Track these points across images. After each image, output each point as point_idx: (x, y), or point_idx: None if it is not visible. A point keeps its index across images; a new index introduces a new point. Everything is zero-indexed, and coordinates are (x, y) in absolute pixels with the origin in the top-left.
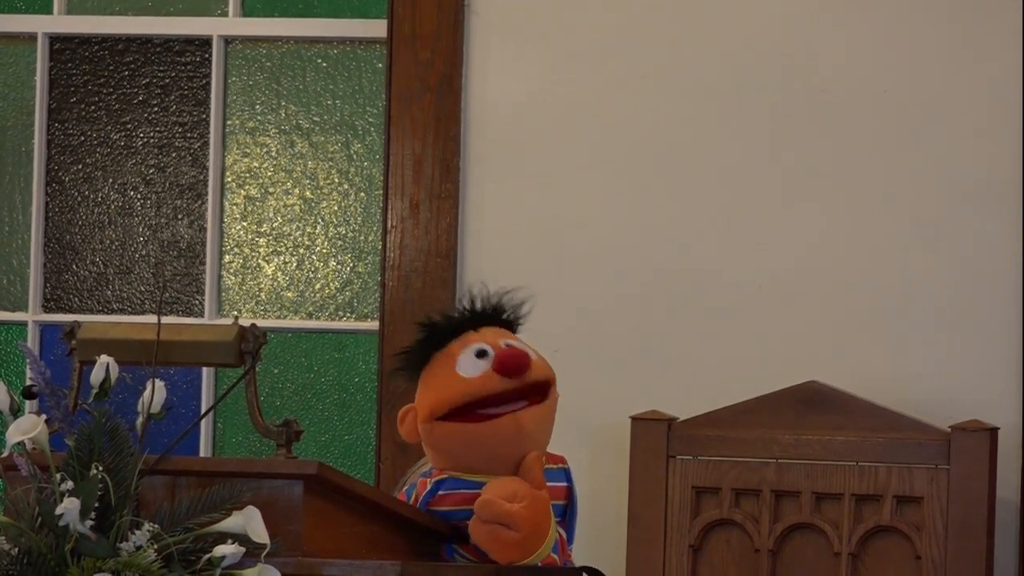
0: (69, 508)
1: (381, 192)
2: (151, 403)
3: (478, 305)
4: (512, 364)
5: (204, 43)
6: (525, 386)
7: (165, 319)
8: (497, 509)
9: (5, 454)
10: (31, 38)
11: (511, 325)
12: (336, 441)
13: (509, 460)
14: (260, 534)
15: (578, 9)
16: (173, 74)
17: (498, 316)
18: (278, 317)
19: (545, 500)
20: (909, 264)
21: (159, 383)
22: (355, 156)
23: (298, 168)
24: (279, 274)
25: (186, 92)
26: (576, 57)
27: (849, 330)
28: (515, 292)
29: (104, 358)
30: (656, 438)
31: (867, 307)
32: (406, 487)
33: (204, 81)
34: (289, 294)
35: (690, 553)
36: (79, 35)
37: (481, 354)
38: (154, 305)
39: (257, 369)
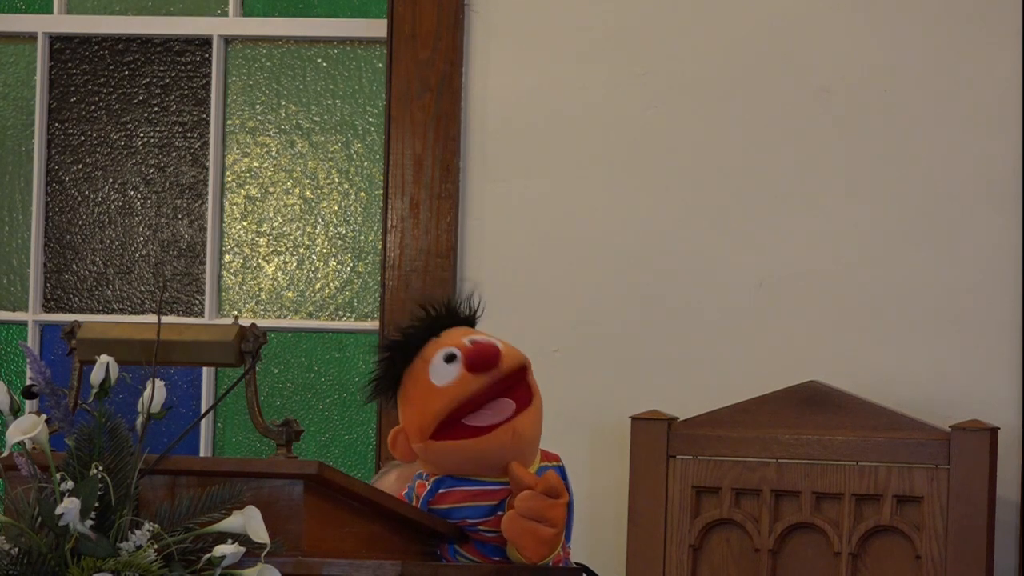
0: (69, 508)
1: (381, 192)
2: (151, 403)
3: (431, 311)
4: (482, 359)
5: (204, 43)
6: (501, 377)
7: (165, 319)
8: (540, 504)
9: (5, 454)
10: (31, 38)
11: (470, 321)
12: (336, 441)
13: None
14: (260, 534)
15: (578, 8)
16: (173, 74)
17: (454, 315)
18: (278, 317)
19: (567, 497)
20: (909, 264)
21: (159, 383)
22: (355, 156)
23: (298, 168)
24: (279, 274)
25: (186, 92)
26: (576, 56)
27: (849, 330)
28: (464, 290)
29: (104, 358)
30: (656, 438)
31: (867, 307)
32: (405, 491)
33: (204, 81)
34: (289, 294)
35: (690, 553)
36: (79, 35)
37: (450, 358)
38: (154, 305)
39: (257, 369)
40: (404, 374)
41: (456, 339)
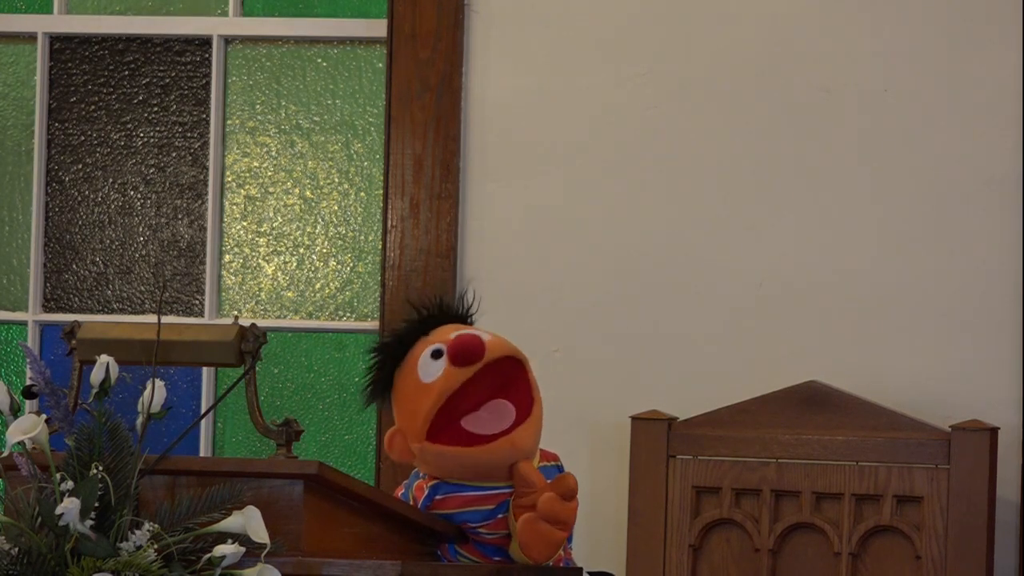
0: (69, 508)
1: (381, 192)
2: (151, 403)
3: (422, 311)
4: (464, 352)
5: (204, 43)
6: (488, 367)
7: (165, 319)
8: (560, 508)
9: (5, 454)
10: (31, 38)
11: (463, 319)
12: (336, 441)
13: (506, 474)
14: (260, 534)
15: (578, 8)
16: (173, 74)
17: (446, 314)
18: (278, 317)
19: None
20: (909, 264)
21: (159, 383)
22: (355, 156)
23: (298, 168)
24: (279, 274)
25: (186, 92)
26: (576, 56)
27: (849, 330)
28: (460, 292)
29: (104, 358)
30: (656, 438)
31: (867, 307)
32: (401, 491)
33: (204, 81)
34: (289, 294)
35: (690, 553)
36: (79, 35)
37: (436, 354)
38: (154, 305)
39: (257, 369)
40: (396, 375)
41: (444, 335)
